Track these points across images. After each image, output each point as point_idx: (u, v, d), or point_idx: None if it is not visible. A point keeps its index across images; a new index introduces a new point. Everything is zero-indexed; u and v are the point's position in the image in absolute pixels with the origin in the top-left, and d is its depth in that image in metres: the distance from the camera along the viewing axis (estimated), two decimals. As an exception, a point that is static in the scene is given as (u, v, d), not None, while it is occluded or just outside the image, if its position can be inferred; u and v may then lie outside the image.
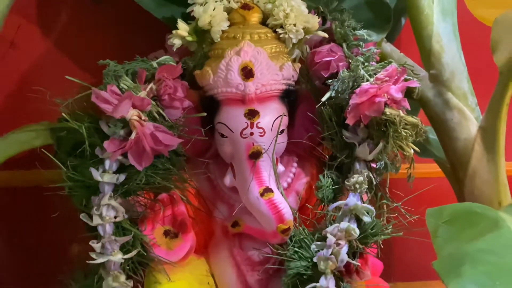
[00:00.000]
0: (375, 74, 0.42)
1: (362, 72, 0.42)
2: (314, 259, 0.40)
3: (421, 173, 0.64)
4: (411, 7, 0.53)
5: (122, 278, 0.40)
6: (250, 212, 0.43)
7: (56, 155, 0.42)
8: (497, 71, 0.49)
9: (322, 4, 0.48)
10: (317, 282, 0.39)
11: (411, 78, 0.42)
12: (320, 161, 0.46)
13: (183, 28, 0.45)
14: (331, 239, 0.39)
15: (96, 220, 0.39)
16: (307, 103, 0.45)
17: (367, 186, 0.41)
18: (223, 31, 0.44)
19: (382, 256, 0.50)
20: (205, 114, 0.43)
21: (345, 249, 0.39)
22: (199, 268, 0.45)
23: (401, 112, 0.40)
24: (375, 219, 0.41)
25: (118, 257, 0.40)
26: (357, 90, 0.40)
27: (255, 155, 0.42)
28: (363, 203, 0.40)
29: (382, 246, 0.45)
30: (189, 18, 0.46)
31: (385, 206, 0.43)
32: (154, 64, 0.43)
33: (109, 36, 0.59)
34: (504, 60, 0.48)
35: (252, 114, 0.42)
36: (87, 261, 0.40)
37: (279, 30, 0.44)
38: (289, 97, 0.44)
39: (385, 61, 0.43)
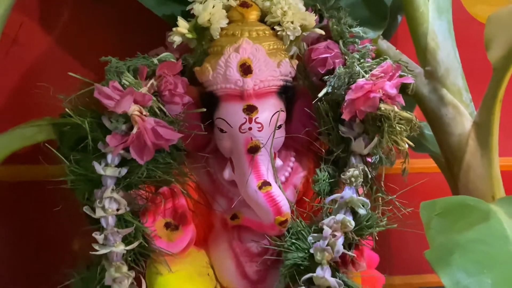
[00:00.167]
0: (371, 70, 0.42)
1: (358, 68, 0.43)
2: (311, 250, 0.40)
3: (417, 168, 0.65)
4: (407, 5, 0.54)
5: (124, 268, 0.41)
6: (249, 205, 0.43)
7: (59, 149, 0.43)
8: (491, 68, 0.49)
9: (319, 2, 0.48)
10: (314, 272, 0.40)
11: (405, 74, 0.43)
12: (317, 156, 0.46)
13: (183, 25, 0.45)
14: (327, 230, 0.40)
15: (99, 213, 0.40)
16: (304, 99, 0.46)
17: (362, 180, 0.42)
18: (222, 29, 0.45)
19: (379, 250, 0.51)
20: (205, 109, 0.44)
21: (341, 240, 0.40)
22: (199, 260, 0.46)
23: (395, 108, 0.41)
24: (370, 211, 0.41)
25: (120, 248, 0.40)
26: (353, 86, 0.41)
27: (254, 150, 0.42)
28: (359, 196, 0.41)
29: (378, 239, 0.46)
30: (189, 16, 0.46)
31: (380, 199, 0.43)
32: (155, 60, 0.43)
33: (111, 33, 0.59)
34: (497, 57, 0.48)
35: (250, 110, 0.42)
36: (90, 252, 0.40)
37: (277, 28, 0.45)
38: (286, 93, 0.45)
39: (381, 58, 0.44)
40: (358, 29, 0.46)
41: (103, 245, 0.40)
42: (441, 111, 0.53)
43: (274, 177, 0.43)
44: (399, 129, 0.41)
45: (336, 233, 0.40)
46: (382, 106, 0.40)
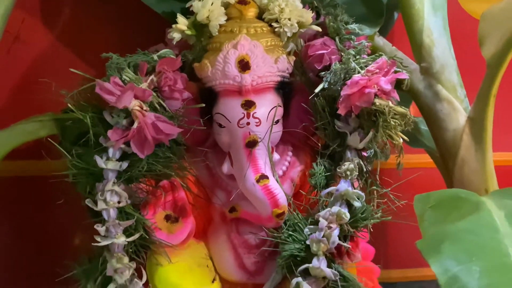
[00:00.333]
0: (366, 66, 0.43)
1: (353, 64, 0.43)
2: (307, 242, 0.41)
3: (413, 163, 0.66)
4: (403, 2, 0.54)
5: (125, 260, 0.41)
6: (247, 198, 0.44)
7: (61, 144, 0.43)
8: (485, 64, 0.50)
9: (316, -1, 0.49)
10: (310, 263, 0.40)
11: (400, 70, 0.44)
12: (314, 150, 0.47)
13: (182, 22, 0.45)
14: (323, 222, 0.40)
15: (101, 205, 0.41)
16: (301, 95, 0.46)
17: (357, 173, 0.42)
18: (220, 25, 0.45)
19: (376, 244, 0.52)
20: (204, 105, 0.44)
21: (336, 232, 0.40)
22: (199, 251, 0.47)
23: (390, 103, 0.41)
24: (365, 204, 0.42)
25: (122, 240, 0.41)
26: (348, 82, 0.42)
27: (251, 144, 0.43)
28: (354, 189, 0.42)
29: (375, 233, 0.47)
30: (188, 13, 0.46)
31: (375, 192, 0.44)
32: (155, 57, 0.44)
33: (111, 30, 0.60)
34: (491, 53, 0.49)
35: (248, 105, 0.43)
36: (93, 244, 0.41)
37: (274, 24, 0.45)
38: (284, 89, 0.45)
39: (376, 54, 0.45)
40: (354, 26, 0.47)
41: (105, 237, 0.41)
42: (436, 106, 0.54)
43: (271, 171, 0.44)
44: (393, 123, 0.41)
45: (331, 225, 0.40)
46: (377, 101, 0.41)
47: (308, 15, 0.46)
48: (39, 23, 0.59)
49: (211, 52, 0.45)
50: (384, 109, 0.41)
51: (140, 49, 0.45)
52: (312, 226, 0.42)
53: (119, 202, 0.41)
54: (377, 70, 0.42)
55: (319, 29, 0.47)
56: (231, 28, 0.45)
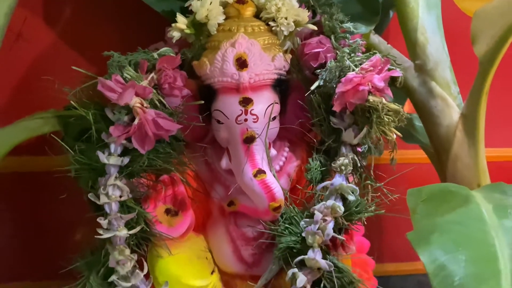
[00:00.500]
0: (360, 64, 0.44)
1: (348, 62, 0.44)
2: (303, 234, 0.42)
3: (408, 159, 0.67)
4: (398, 0, 0.55)
5: (127, 252, 0.42)
6: (245, 192, 0.45)
7: (64, 140, 0.44)
8: (477, 62, 0.51)
9: (312, -2, 0.49)
10: (306, 254, 0.41)
11: (394, 68, 0.45)
12: (310, 146, 0.48)
13: (181, 21, 0.46)
14: (318, 215, 0.41)
15: (103, 199, 0.41)
16: (298, 92, 0.47)
17: (352, 168, 0.43)
18: (219, 24, 0.46)
19: (372, 238, 0.53)
20: (203, 102, 0.45)
21: (331, 225, 0.41)
22: (198, 244, 0.47)
23: (383, 100, 0.42)
24: (359, 198, 0.43)
25: (123, 232, 0.42)
26: (343, 79, 0.42)
27: (249, 140, 0.44)
28: (348, 183, 0.43)
29: (371, 228, 0.48)
30: (187, 12, 0.47)
31: (369, 186, 0.45)
32: (155, 55, 0.44)
33: (112, 28, 0.60)
34: (483, 51, 0.50)
35: (246, 102, 0.43)
36: (95, 236, 0.42)
37: (271, 23, 0.46)
38: (280, 86, 0.46)
39: (370, 52, 0.45)
40: (349, 25, 0.47)
41: (107, 230, 0.42)
42: (430, 103, 0.55)
43: (268, 166, 0.45)
44: (387, 120, 0.42)
45: (326, 218, 0.41)
46: (371, 98, 0.42)
47: (304, 14, 0.47)
48: (41, 21, 0.60)
49: (209, 51, 0.46)
50: (378, 105, 0.42)
51: (140, 47, 0.45)
52: (307, 219, 0.43)
53: (120, 196, 0.42)
54: (371, 68, 0.43)
55: (315, 27, 0.47)
56: (229, 27, 0.46)
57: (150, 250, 0.45)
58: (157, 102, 0.42)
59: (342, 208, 0.42)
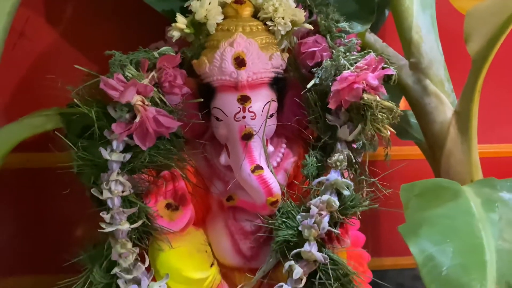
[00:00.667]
0: (355, 63, 0.45)
1: (343, 61, 0.45)
2: (299, 228, 0.43)
3: (404, 155, 0.68)
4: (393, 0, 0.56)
5: (129, 245, 0.43)
6: (243, 187, 0.46)
7: (67, 137, 0.44)
8: (470, 60, 0.52)
9: (309, -2, 0.50)
10: (302, 247, 0.42)
11: (388, 66, 0.45)
12: (306, 142, 0.48)
13: (181, 21, 0.47)
14: (314, 210, 0.43)
15: (106, 194, 0.42)
16: (295, 90, 0.48)
17: (347, 164, 0.44)
18: (218, 24, 0.47)
19: (369, 232, 0.54)
20: (202, 99, 0.46)
21: (326, 218, 0.42)
22: (198, 238, 0.48)
23: (377, 97, 0.43)
24: (354, 193, 0.44)
25: (126, 226, 0.43)
26: (338, 78, 0.43)
27: (247, 137, 0.45)
28: (343, 179, 0.44)
29: (366, 221, 0.49)
30: (186, 12, 0.48)
31: (364, 181, 0.46)
32: (156, 54, 0.45)
33: (113, 28, 0.61)
34: (476, 50, 0.51)
35: (244, 100, 0.44)
36: (98, 230, 0.43)
37: (269, 23, 0.47)
38: (278, 84, 0.47)
39: (365, 51, 0.46)
40: (344, 24, 0.48)
41: (110, 224, 0.43)
42: (425, 100, 0.56)
43: (266, 162, 0.46)
44: (381, 117, 0.43)
45: (322, 212, 0.42)
46: (365, 96, 0.43)
47: (301, 14, 0.47)
48: (43, 20, 0.61)
49: (208, 50, 0.46)
50: (372, 103, 0.43)
51: (141, 46, 0.46)
52: (304, 214, 0.44)
53: (123, 191, 0.43)
54: (366, 67, 0.44)
55: (311, 27, 0.48)
56: (228, 26, 0.46)
57: (151, 244, 0.46)
58: (157, 100, 0.43)
59: (337, 203, 0.43)
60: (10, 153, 0.53)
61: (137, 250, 0.44)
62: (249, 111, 0.45)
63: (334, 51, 0.46)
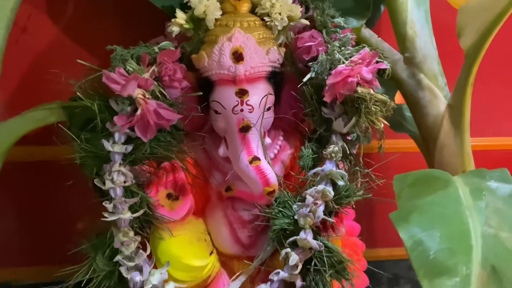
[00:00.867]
0: (350, 57, 0.46)
1: (338, 55, 0.46)
2: (295, 217, 0.44)
3: (399, 148, 0.69)
4: (388, -5, 0.57)
5: (131, 233, 0.44)
6: (241, 178, 0.47)
7: (70, 130, 0.45)
8: (463, 54, 0.53)
9: (305, -6, 0.51)
10: (298, 236, 0.44)
11: (382, 60, 0.47)
12: (303, 135, 0.49)
13: (181, 16, 0.48)
14: (309, 199, 0.44)
15: (108, 184, 0.43)
16: (291, 83, 0.49)
17: (341, 155, 0.45)
18: (216, 19, 0.47)
19: (364, 223, 0.56)
20: (201, 93, 0.47)
21: (321, 208, 0.44)
22: (198, 227, 0.50)
23: (371, 91, 0.44)
24: (348, 183, 0.45)
25: (128, 215, 0.44)
26: (333, 72, 0.44)
27: (245, 129, 0.46)
28: (338, 170, 0.45)
29: (362, 211, 0.50)
30: (186, 7, 0.48)
31: (359, 172, 0.48)
32: (156, 49, 0.46)
33: (114, 23, 0.61)
34: (469, 44, 0.52)
35: (242, 93, 0.45)
36: (101, 219, 0.44)
37: (266, 18, 0.48)
38: (275, 78, 0.48)
39: (359, 46, 0.47)
40: (339, 20, 0.49)
41: (112, 213, 0.44)
42: (419, 94, 0.57)
43: (263, 153, 0.47)
44: (374, 110, 0.44)
45: (317, 202, 0.44)
46: (359, 89, 0.44)
47: (297, 10, 0.48)
48: (45, 16, 0.61)
49: (207, 44, 0.47)
50: (366, 96, 0.44)
51: (141, 41, 0.47)
52: (300, 203, 0.45)
53: (125, 182, 0.44)
54: (360, 61, 0.45)
55: (308, 22, 0.49)
56: (226, 22, 0.47)
57: (152, 232, 0.47)
58: (158, 94, 0.44)
59: (332, 193, 0.44)
60: (13, 146, 0.54)
61: (138, 238, 0.45)
62: (247, 104, 0.46)
63: (329, 46, 0.47)
